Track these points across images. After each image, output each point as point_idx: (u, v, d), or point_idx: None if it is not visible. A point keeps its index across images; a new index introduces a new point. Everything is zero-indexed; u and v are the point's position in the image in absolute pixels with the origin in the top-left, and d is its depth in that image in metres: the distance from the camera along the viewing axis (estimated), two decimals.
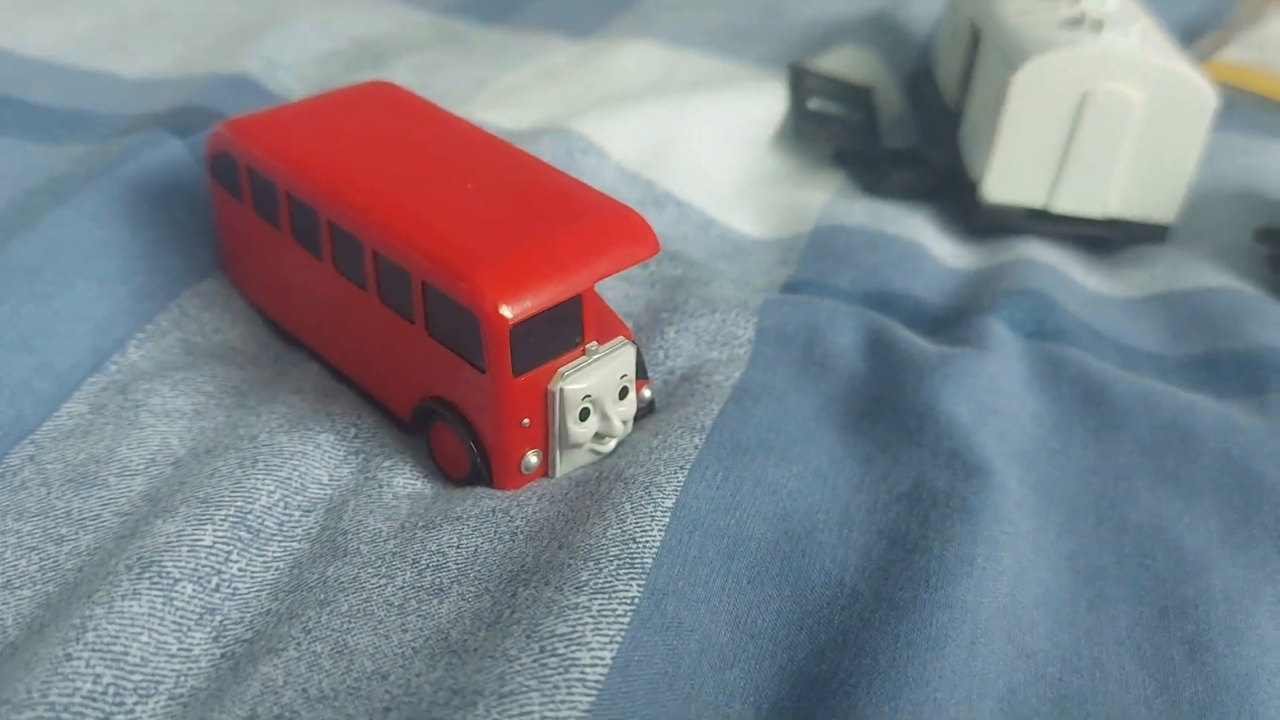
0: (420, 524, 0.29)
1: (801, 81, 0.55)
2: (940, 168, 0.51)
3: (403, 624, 0.26)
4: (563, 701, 0.23)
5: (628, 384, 0.31)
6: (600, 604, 0.25)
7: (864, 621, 0.26)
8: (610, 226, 0.30)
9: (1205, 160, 0.50)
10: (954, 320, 0.40)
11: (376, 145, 0.33)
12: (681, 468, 0.30)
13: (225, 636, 0.26)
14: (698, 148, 0.50)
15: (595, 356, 0.30)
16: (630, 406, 0.31)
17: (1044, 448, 0.33)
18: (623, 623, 0.25)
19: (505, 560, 0.27)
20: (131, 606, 0.26)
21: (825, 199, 0.49)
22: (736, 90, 0.54)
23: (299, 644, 0.26)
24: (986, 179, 0.46)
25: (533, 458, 0.30)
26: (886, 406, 0.33)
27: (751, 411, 0.32)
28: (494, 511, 0.29)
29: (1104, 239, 0.47)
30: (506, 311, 0.27)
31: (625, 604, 0.25)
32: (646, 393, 0.33)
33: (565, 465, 0.31)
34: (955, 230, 0.48)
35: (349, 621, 0.26)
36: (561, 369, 0.29)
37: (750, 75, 0.56)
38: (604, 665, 0.24)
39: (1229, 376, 0.37)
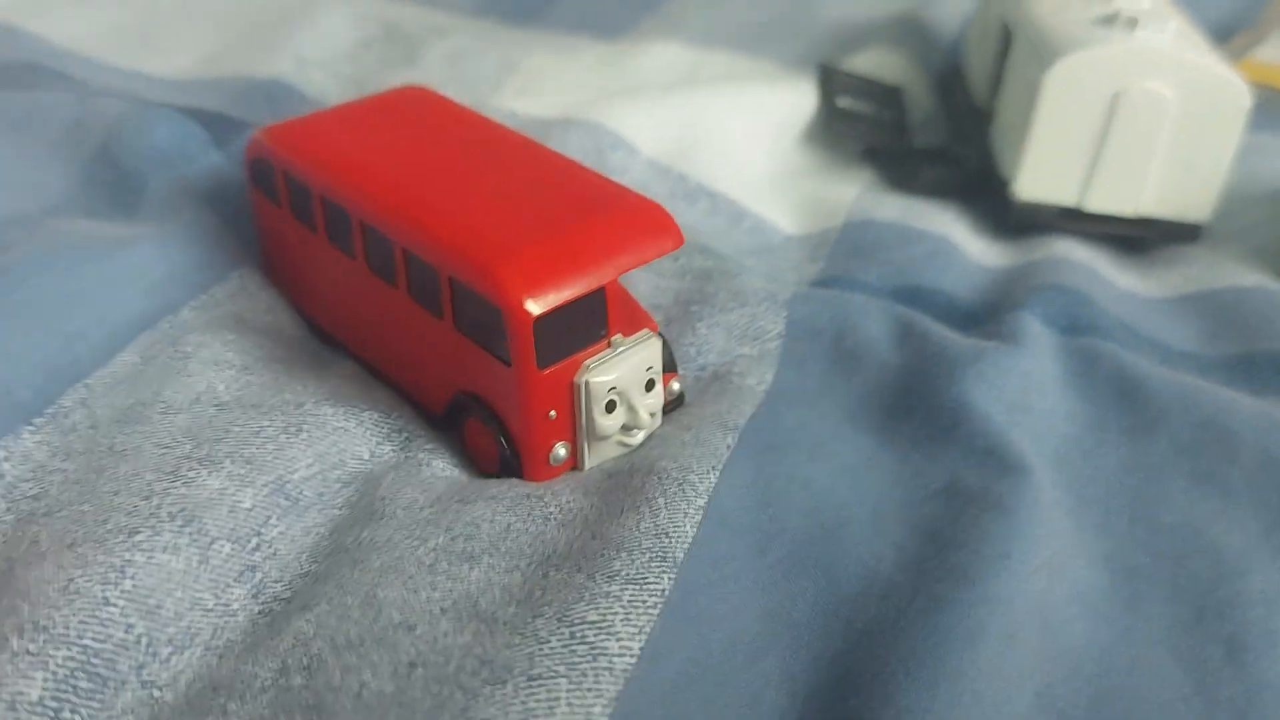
0: (456, 499, 0.29)
1: (831, 80, 0.55)
2: (971, 166, 0.51)
3: (432, 582, 0.26)
4: (590, 689, 0.23)
5: (654, 376, 0.31)
6: (631, 594, 0.25)
7: (900, 612, 0.26)
8: (634, 220, 0.30)
9: (1238, 161, 0.50)
10: (986, 316, 0.39)
11: (406, 147, 0.34)
12: (714, 467, 0.30)
13: (264, 594, 0.27)
14: (728, 141, 0.50)
15: (621, 349, 0.30)
16: (657, 399, 0.31)
17: (1078, 446, 0.33)
18: (652, 614, 0.25)
19: (537, 541, 0.28)
20: (170, 561, 0.27)
21: (855, 193, 0.49)
22: (765, 86, 0.54)
23: (330, 599, 0.26)
24: (1019, 177, 0.46)
25: (561, 450, 0.30)
26: (919, 402, 0.33)
27: (783, 409, 0.32)
28: (528, 496, 0.29)
29: (1137, 238, 0.47)
30: (530, 305, 0.27)
31: (656, 595, 0.26)
32: (675, 385, 0.33)
33: (594, 457, 0.31)
34: (986, 228, 0.48)
35: (380, 576, 0.26)
36: (587, 362, 0.30)
37: (778, 74, 0.56)
38: (632, 655, 0.24)
39: (1266, 376, 0.37)
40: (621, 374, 0.30)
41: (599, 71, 0.56)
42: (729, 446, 0.30)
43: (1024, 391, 0.33)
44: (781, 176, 0.51)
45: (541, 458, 0.30)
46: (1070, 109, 0.44)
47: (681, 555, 0.27)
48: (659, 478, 0.29)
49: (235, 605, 0.27)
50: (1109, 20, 0.45)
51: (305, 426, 0.31)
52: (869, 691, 0.24)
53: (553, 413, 0.30)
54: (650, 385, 0.31)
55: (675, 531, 0.27)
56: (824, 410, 0.33)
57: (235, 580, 0.27)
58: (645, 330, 0.31)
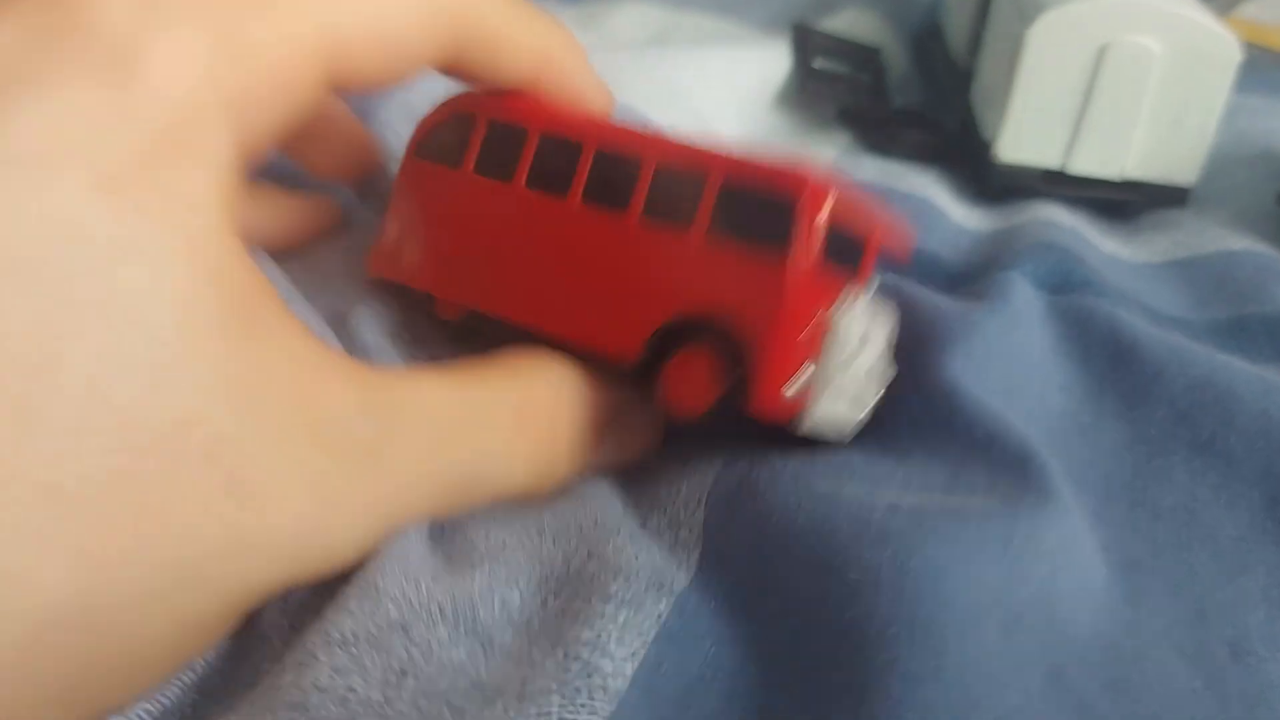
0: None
1: (806, 41, 0.53)
2: (950, 129, 0.49)
3: (434, 574, 0.25)
4: (583, 705, 0.22)
5: (885, 357, 0.30)
6: (626, 616, 0.24)
7: (899, 567, 0.24)
8: (889, 215, 0.31)
9: (1224, 122, 0.48)
10: (973, 276, 0.37)
11: None
12: (700, 501, 0.28)
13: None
14: (700, 102, 0.48)
15: (873, 299, 0.30)
16: (880, 383, 0.30)
17: (1075, 423, 0.31)
18: (647, 637, 0.24)
19: (534, 560, 0.26)
20: None
21: (832, 155, 0.47)
22: (737, 48, 0.52)
23: (332, 588, 0.24)
24: (1000, 139, 0.44)
25: (805, 372, 0.28)
26: (912, 388, 0.31)
27: None
28: (522, 508, 0.28)
29: (1121, 202, 0.46)
30: (824, 198, 0.27)
31: (650, 620, 0.24)
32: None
33: (826, 404, 0.28)
34: (967, 192, 0.46)
35: (383, 561, 0.25)
36: (845, 294, 0.29)
37: (751, 35, 0.54)
38: (624, 677, 0.23)
39: (1260, 341, 0.36)
40: (877, 319, 0.29)
41: None
42: (714, 466, 0.29)
43: (1016, 367, 0.32)
44: (755, 139, 0.49)
45: (785, 376, 0.28)
46: (1054, 66, 0.43)
47: (683, 584, 0.26)
48: (653, 506, 0.29)
49: None
50: None
51: None
52: (868, 654, 0.22)
53: (803, 333, 0.28)
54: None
55: (667, 571, 0.26)
56: None
57: None
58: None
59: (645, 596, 0.25)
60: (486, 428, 0.26)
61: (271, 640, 0.24)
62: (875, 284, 0.30)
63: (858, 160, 0.47)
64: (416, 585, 0.24)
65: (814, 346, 0.28)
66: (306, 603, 0.25)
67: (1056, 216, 0.42)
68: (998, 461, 0.28)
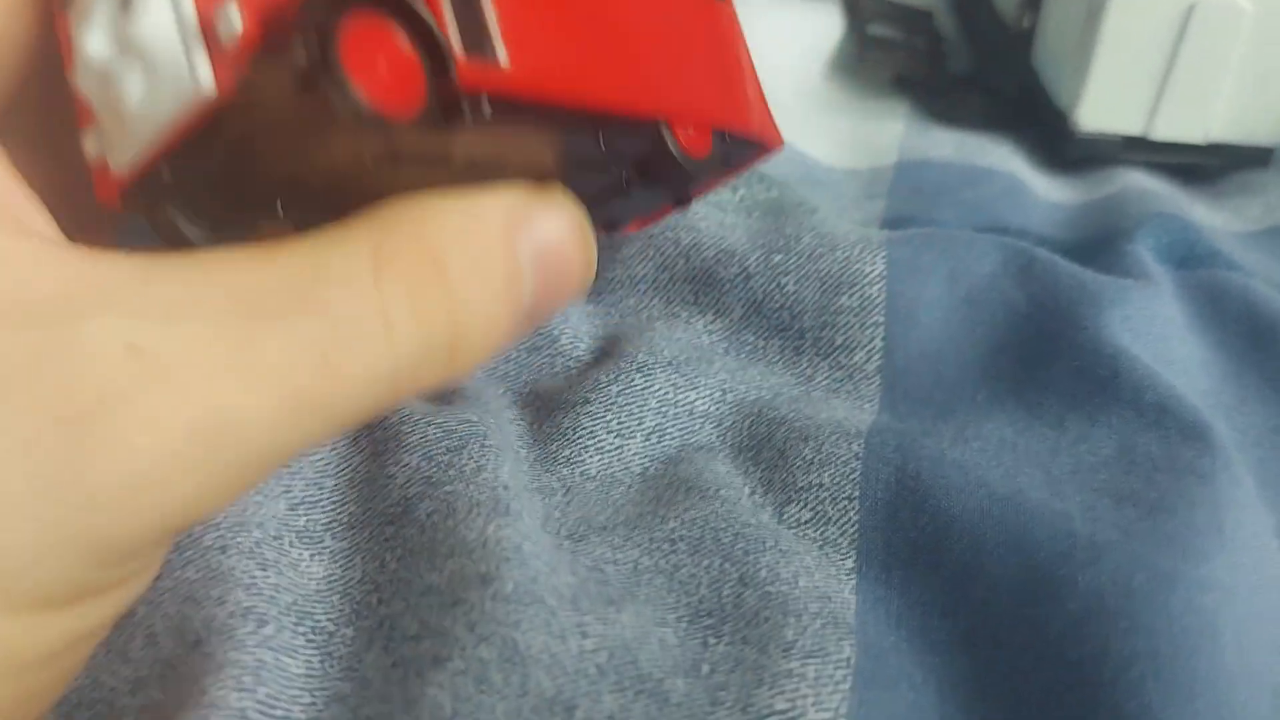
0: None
1: (858, 6, 0.50)
2: (1013, 94, 0.47)
3: (580, 625, 0.21)
4: None
5: None
6: (815, 670, 0.21)
7: (1121, 587, 0.22)
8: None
9: None
10: (1089, 253, 0.35)
11: None
12: (849, 498, 0.26)
13: (369, 612, 0.23)
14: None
15: None
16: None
17: (1219, 403, 0.29)
18: (844, 689, 0.21)
19: (675, 587, 0.23)
20: None
21: (899, 129, 0.45)
22: (786, 14, 0.49)
23: (462, 645, 0.21)
24: (1081, 106, 0.42)
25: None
26: (1065, 350, 0.28)
27: (905, 387, 0.28)
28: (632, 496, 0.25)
29: (1203, 166, 0.44)
30: None
31: (842, 668, 0.21)
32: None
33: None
34: (1041, 162, 0.44)
35: (516, 610, 0.21)
36: None
37: (797, 8, 0.52)
38: None
39: None
40: None
41: None
42: (858, 456, 0.26)
43: (1166, 340, 0.30)
44: (814, 109, 0.47)
45: None
46: (1138, 28, 0.41)
47: (854, 620, 0.23)
48: (786, 521, 0.25)
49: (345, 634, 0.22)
50: None
51: None
52: (1118, 698, 0.20)
53: None
54: None
55: (834, 593, 0.23)
56: (954, 367, 0.29)
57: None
58: None
59: (826, 638, 0.22)
60: (320, 286, 0.18)
61: None
62: None
63: (926, 130, 0.44)
64: (562, 640, 0.21)
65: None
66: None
67: (1151, 185, 0.40)
68: (1173, 432, 0.26)
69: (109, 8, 0.18)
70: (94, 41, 0.18)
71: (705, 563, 0.24)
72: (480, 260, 0.19)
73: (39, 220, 0.19)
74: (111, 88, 0.18)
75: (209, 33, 0.17)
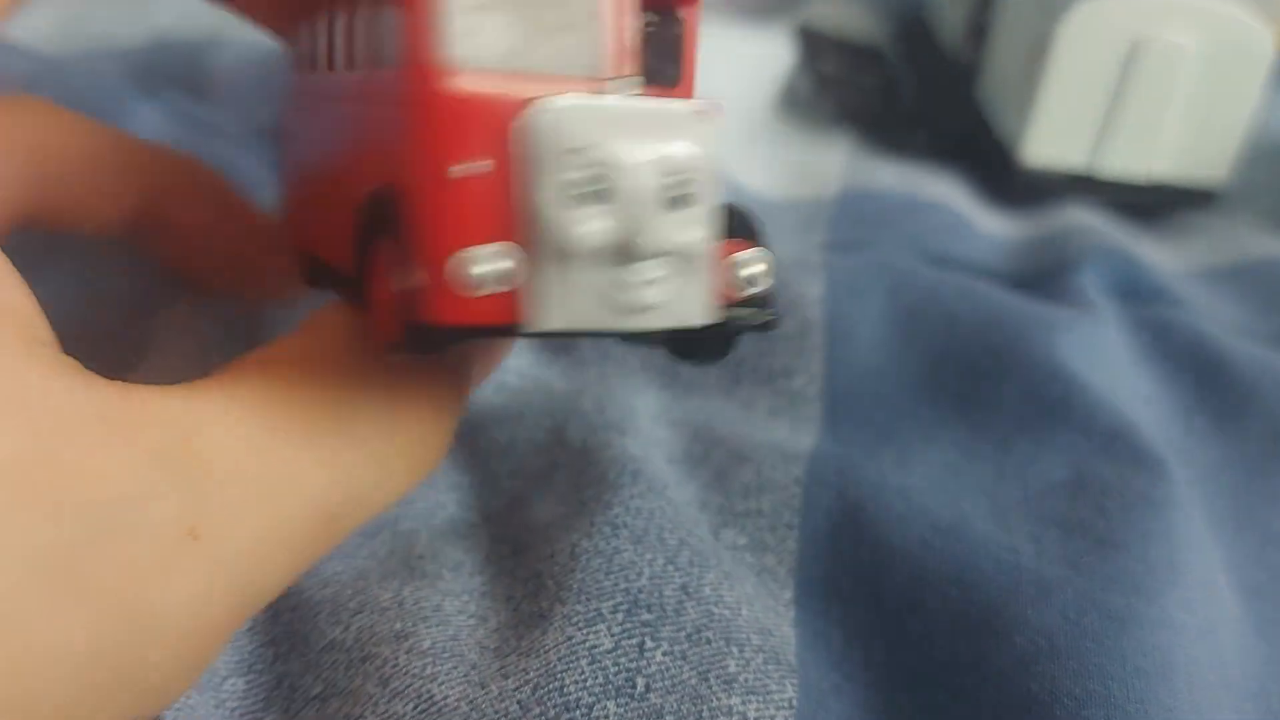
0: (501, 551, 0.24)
1: (810, 43, 0.50)
2: (957, 129, 0.46)
3: (502, 668, 0.20)
4: None
5: (691, 187, 0.17)
6: (756, 710, 0.20)
7: (1072, 625, 0.21)
8: None
9: (1249, 119, 0.46)
10: (1033, 286, 0.34)
11: None
12: (789, 526, 0.24)
13: (277, 678, 0.21)
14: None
15: (623, 90, 0.17)
16: (695, 228, 0.17)
17: (1168, 439, 0.29)
18: None
19: (613, 569, 0.22)
20: None
21: (841, 160, 0.44)
22: (735, 44, 0.48)
23: (374, 702, 0.19)
24: (1025, 141, 0.42)
25: (485, 261, 0.16)
26: (1011, 365, 0.27)
27: (849, 399, 0.27)
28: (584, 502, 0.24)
29: (1147, 206, 0.43)
30: None
31: (784, 709, 0.20)
32: (757, 265, 0.19)
33: (558, 304, 0.17)
34: (986, 197, 0.44)
35: (433, 663, 0.20)
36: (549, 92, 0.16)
37: (744, 33, 0.51)
38: None
39: None
40: (607, 119, 0.16)
41: None
42: (798, 481, 0.25)
43: (1115, 369, 0.29)
44: (755, 142, 0.46)
45: (444, 248, 0.16)
46: (1083, 63, 0.40)
47: (794, 659, 0.21)
48: (726, 544, 0.24)
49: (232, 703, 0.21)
50: None
51: None
52: None
53: (461, 167, 0.16)
54: (680, 202, 0.17)
55: (776, 630, 0.22)
56: (896, 386, 0.27)
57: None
58: (690, 103, 0.18)
59: (769, 675, 0.21)
60: (345, 435, 0.18)
61: None
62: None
63: (869, 161, 0.44)
64: (483, 689, 0.20)
65: (499, 191, 0.16)
66: None
67: (1094, 222, 0.39)
68: (1125, 459, 0.25)
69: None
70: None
71: (649, 556, 0.22)
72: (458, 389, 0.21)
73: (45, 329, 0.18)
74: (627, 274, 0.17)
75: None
